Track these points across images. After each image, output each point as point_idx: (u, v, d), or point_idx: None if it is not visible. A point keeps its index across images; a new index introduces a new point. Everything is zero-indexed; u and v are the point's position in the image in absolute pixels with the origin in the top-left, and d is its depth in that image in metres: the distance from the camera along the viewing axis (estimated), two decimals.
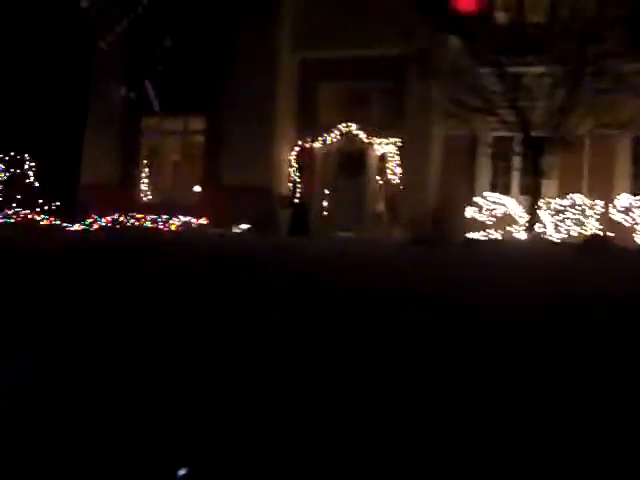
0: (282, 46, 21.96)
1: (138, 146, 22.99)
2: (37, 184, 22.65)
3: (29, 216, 21.03)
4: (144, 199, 22.85)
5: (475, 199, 19.61)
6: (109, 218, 20.47)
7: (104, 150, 23.05)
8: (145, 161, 23.11)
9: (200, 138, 22.48)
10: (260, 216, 20.49)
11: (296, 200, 21.70)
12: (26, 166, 22.76)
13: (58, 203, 22.20)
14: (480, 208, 19.28)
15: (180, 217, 20.31)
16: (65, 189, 23.01)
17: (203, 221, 20.22)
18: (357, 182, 21.74)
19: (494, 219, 18.98)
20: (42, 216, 21.13)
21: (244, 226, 19.88)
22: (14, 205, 22.49)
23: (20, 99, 23.65)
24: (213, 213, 20.85)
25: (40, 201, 22.13)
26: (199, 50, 21.92)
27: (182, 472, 2.79)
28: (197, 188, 22.13)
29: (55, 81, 23.88)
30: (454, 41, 20.28)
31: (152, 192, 23.00)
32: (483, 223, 19.03)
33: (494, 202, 19.22)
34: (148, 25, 22.34)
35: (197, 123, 22.45)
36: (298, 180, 21.95)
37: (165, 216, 20.34)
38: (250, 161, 21.18)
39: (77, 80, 23.70)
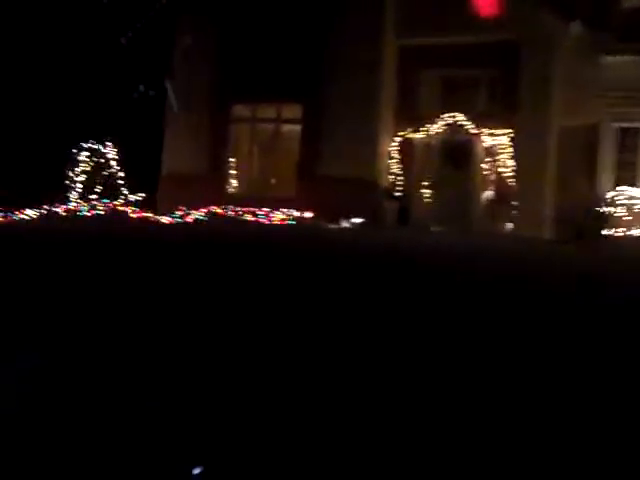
0: (385, 32, 20.78)
1: (227, 135, 21.76)
2: (121, 174, 21.45)
3: (118, 207, 19.83)
4: (232, 191, 21.66)
5: (609, 194, 18.56)
6: (204, 210, 19.25)
7: (188, 138, 21.85)
8: (234, 151, 21.88)
9: (295, 127, 21.26)
10: (369, 209, 19.39)
11: (398, 193, 20.58)
12: (109, 155, 21.55)
13: (142, 194, 21.02)
14: (614, 203, 18.21)
15: (283, 210, 19.13)
16: (146, 179, 21.85)
17: (308, 214, 19.03)
18: (462, 175, 20.60)
19: (632, 215, 17.90)
20: (131, 207, 19.92)
21: (356, 220, 18.72)
22: (95, 196, 21.33)
23: (101, 84, 22.45)
24: (313, 206, 19.67)
25: (125, 192, 20.96)
26: (297, 35, 20.73)
27: (197, 471, 2.85)
28: (292, 180, 20.99)
29: (135, 64, 22.69)
30: (576, 27, 19.24)
31: (241, 183, 21.80)
32: (619, 219, 17.95)
33: (631, 197, 18.14)
34: (241, 5, 21.17)
35: (292, 111, 21.22)
36: (399, 172, 20.81)
37: (266, 208, 19.15)
38: (352, 152, 20.01)
39: (157, 64, 22.51)
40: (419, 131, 20.88)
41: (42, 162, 21.88)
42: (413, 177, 20.95)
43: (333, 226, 18.07)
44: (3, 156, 21.84)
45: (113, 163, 21.51)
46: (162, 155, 22.35)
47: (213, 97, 21.72)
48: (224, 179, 21.68)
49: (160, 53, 22.54)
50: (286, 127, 21.50)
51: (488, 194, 20.25)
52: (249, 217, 18.89)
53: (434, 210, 20.64)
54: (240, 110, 21.76)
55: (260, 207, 19.98)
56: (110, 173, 21.41)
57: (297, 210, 19.27)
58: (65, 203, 20.62)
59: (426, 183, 20.76)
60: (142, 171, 21.75)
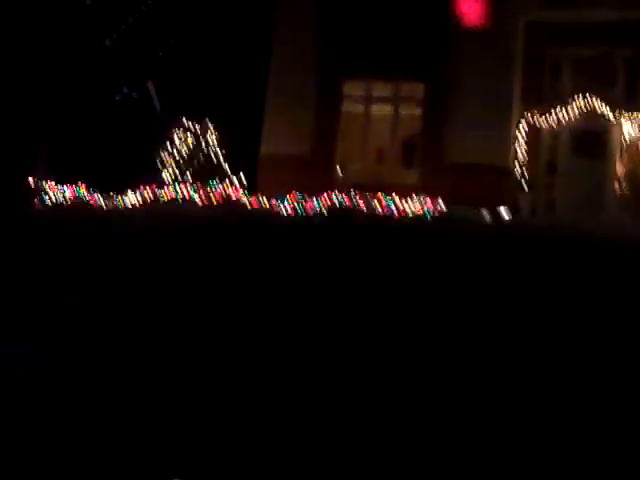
0: (513, 7, 19.11)
1: (336, 114, 19.98)
2: (221, 155, 19.64)
3: (227, 192, 18.05)
4: (342, 176, 19.92)
5: None
6: (325, 196, 17.53)
7: (291, 118, 20.05)
8: (344, 132, 20.11)
9: (415, 108, 19.57)
10: (504, 199, 17.82)
11: (524, 181, 19.02)
12: (209, 135, 19.72)
13: (242, 177, 19.21)
14: None
15: (414, 197, 17.45)
16: (245, 161, 20.05)
17: (439, 203, 17.36)
18: (596, 163, 19.05)
19: None
20: (241, 192, 18.15)
21: (502, 208, 17.12)
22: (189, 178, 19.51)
23: (198, 60, 20.58)
24: (439, 194, 18.00)
25: (228, 174, 19.16)
26: (419, 6, 19.03)
27: None
28: (411, 166, 19.34)
29: (233, 38, 20.81)
30: None
31: (352, 169, 20.06)
32: None
33: None
34: None
35: (413, 90, 19.50)
36: (525, 158, 19.23)
37: (395, 197, 17.45)
38: (482, 137, 18.33)
39: (257, 38, 20.67)
40: (547, 115, 19.32)
41: (130, 141, 19.99)
42: (539, 164, 19.43)
43: (487, 216, 16.49)
44: (88, 136, 19.92)
45: (214, 143, 19.68)
46: (261, 135, 20.52)
47: (320, 73, 19.89)
48: (332, 163, 19.94)
49: (258, 24, 20.74)
50: (404, 107, 19.78)
51: (627, 185, 18.77)
52: (377, 206, 17.20)
53: (561, 200, 19.14)
54: (351, 87, 19.99)
55: (374, 194, 18.33)
56: (209, 154, 19.58)
57: (428, 198, 17.59)
58: (160, 186, 18.78)
59: (554, 171, 19.26)
60: (237, 152, 19.99)
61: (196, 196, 17.47)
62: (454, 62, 18.80)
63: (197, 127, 19.82)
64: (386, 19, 19.16)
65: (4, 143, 18.15)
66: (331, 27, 19.71)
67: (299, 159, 19.76)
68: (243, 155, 20.07)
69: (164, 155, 19.60)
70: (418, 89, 19.40)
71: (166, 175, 19.40)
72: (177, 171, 19.43)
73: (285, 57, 20.23)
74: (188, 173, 19.46)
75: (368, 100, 20.00)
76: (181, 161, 19.52)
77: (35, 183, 17.51)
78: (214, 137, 19.77)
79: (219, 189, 18.01)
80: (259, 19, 20.53)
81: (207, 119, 19.81)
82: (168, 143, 19.69)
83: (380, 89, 19.82)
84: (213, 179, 19.38)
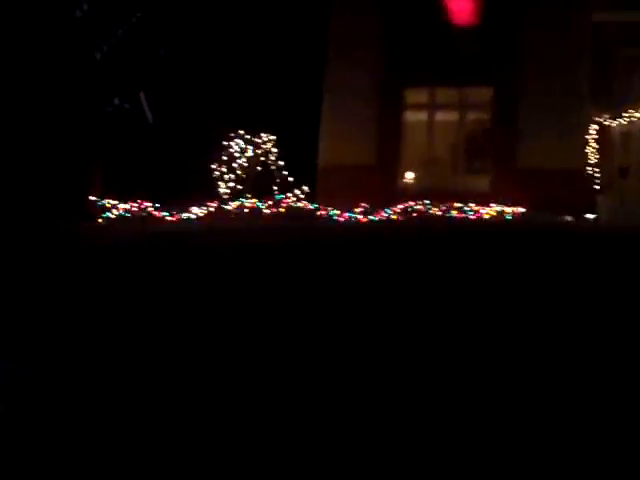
0: (582, 8, 18.54)
1: (398, 122, 19.41)
2: (282, 165, 19.06)
3: (296, 204, 17.45)
4: (406, 185, 19.31)
5: None
6: (400, 207, 16.91)
7: (350, 127, 19.47)
8: (406, 140, 19.53)
9: (483, 113, 18.98)
10: (582, 204, 17.19)
11: (597, 184, 18.43)
12: (266, 145, 19.16)
13: (306, 188, 18.60)
14: None
15: (493, 205, 16.84)
16: (304, 171, 19.47)
17: (519, 209, 16.74)
18: None
19: None
20: (311, 204, 17.52)
21: (590, 216, 16.50)
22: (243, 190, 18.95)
23: (250, 66, 20.03)
24: (512, 200, 17.37)
25: (292, 186, 18.56)
26: (483, 11, 18.46)
27: None
28: (479, 172, 18.73)
29: (288, 45, 20.25)
30: None
31: (417, 177, 19.46)
32: None
33: None
34: None
35: (480, 95, 18.92)
36: (596, 162, 18.63)
37: (472, 204, 16.84)
38: (555, 141, 17.74)
39: (312, 43, 20.10)
40: (618, 117, 18.74)
41: (182, 154, 19.41)
42: (611, 167, 18.82)
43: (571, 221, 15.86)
44: (140, 150, 19.36)
45: (272, 154, 19.10)
46: (318, 145, 19.96)
47: (380, 81, 19.34)
48: (395, 172, 19.34)
49: (312, 30, 20.18)
50: (470, 112, 19.20)
51: None
52: (454, 213, 16.57)
53: (635, 203, 18.50)
54: (413, 95, 19.44)
55: (440, 202, 17.73)
56: (269, 165, 19.00)
57: (508, 205, 16.94)
58: (221, 199, 18.21)
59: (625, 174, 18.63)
60: (299, 162, 19.40)
61: (265, 209, 16.87)
62: (522, 65, 18.25)
63: (254, 138, 19.29)
64: (448, 27, 18.63)
65: (60, 160, 17.61)
66: (391, 36, 19.17)
67: (361, 169, 19.18)
68: (298, 166, 19.52)
69: (220, 167, 19.03)
70: (485, 94, 18.81)
71: (223, 188, 18.81)
72: (234, 184, 18.85)
73: (343, 64, 19.70)
74: (245, 185, 18.90)
75: (432, 107, 19.44)
76: (239, 173, 18.95)
77: (95, 200, 16.98)
78: (273, 147, 19.19)
79: (287, 201, 17.42)
80: (314, 24, 20.00)
81: (265, 129, 19.26)
82: (224, 155, 19.14)
83: (444, 95, 19.27)
84: (273, 191, 18.85)
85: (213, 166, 19.01)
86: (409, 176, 19.29)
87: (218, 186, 18.93)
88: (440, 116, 19.50)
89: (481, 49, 18.32)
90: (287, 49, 20.24)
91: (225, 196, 18.58)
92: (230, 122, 19.42)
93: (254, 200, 17.43)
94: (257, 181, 18.93)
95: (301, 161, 19.74)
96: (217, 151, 19.15)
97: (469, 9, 18.60)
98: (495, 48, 18.36)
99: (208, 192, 18.86)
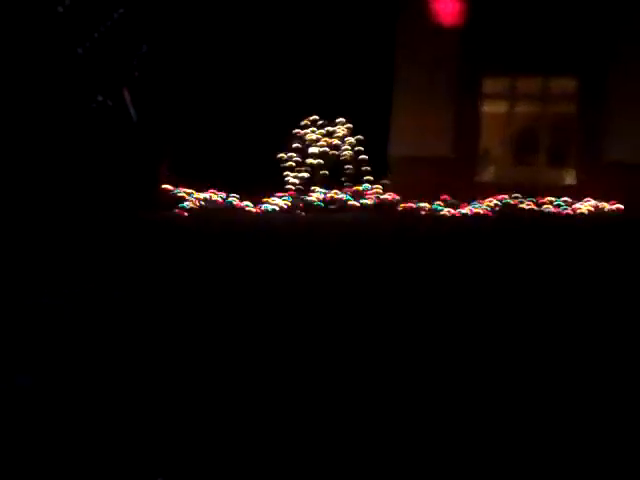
0: None
1: (475, 112, 18.62)
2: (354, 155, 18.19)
3: (382, 195, 16.65)
4: (485, 178, 18.58)
5: None
6: (491, 201, 16.17)
7: (424, 117, 18.66)
8: (485, 131, 18.76)
9: (567, 104, 18.23)
10: None
11: None
12: (344, 134, 18.33)
13: (386, 181, 17.82)
14: None
15: (589, 199, 16.14)
16: (372, 162, 18.67)
17: (618, 206, 16.05)
18: None
19: None
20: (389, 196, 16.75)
21: None
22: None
23: (322, 52, 19.15)
24: (600, 196, 16.71)
25: (369, 177, 17.75)
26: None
27: None
28: (563, 166, 18.00)
29: (358, 31, 19.38)
30: None
31: (496, 170, 18.72)
32: None
33: None
34: None
35: (564, 85, 18.17)
36: None
37: (566, 198, 16.13)
38: None
39: (381, 28, 19.25)
40: None
41: (249, 142, 18.54)
42: None
43: None
44: (209, 139, 18.46)
45: (347, 144, 18.25)
46: (389, 136, 19.14)
47: (456, 69, 18.57)
48: (473, 164, 18.59)
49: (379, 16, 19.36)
50: (554, 103, 18.44)
51: None
52: (551, 208, 15.84)
53: None
54: (493, 84, 18.65)
55: (517, 195, 17.03)
56: (345, 155, 18.15)
57: (600, 201, 16.26)
58: (298, 190, 17.36)
59: None
60: (363, 153, 18.59)
61: (351, 200, 16.06)
62: (611, 52, 17.54)
63: (328, 125, 18.47)
64: (532, 6, 17.89)
65: (131, 151, 16.72)
66: (469, 16, 18.39)
67: (436, 161, 18.42)
68: (375, 156, 18.73)
69: (289, 156, 18.19)
70: (570, 83, 18.07)
71: (292, 178, 17.96)
72: (307, 174, 18.01)
73: (415, 51, 18.88)
74: (316, 175, 18.08)
75: (512, 97, 18.67)
76: (311, 162, 18.10)
77: (169, 189, 16.11)
78: (348, 136, 18.35)
79: (370, 192, 16.63)
80: (384, 9, 19.18)
81: (340, 117, 18.43)
82: (295, 143, 18.30)
83: (526, 85, 18.51)
84: (344, 182, 18.04)
85: (283, 155, 18.19)
86: (488, 169, 18.58)
87: (286, 176, 18.09)
88: (521, 107, 18.74)
89: (567, 35, 17.63)
90: (358, 35, 19.43)
91: (294, 186, 17.75)
92: (301, 109, 18.61)
93: (335, 191, 16.63)
94: (329, 171, 18.11)
95: (370, 151, 18.98)
96: (286, 139, 18.35)
97: None
98: (582, 34, 17.67)
99: (276, 182, 18.06)
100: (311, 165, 18.06)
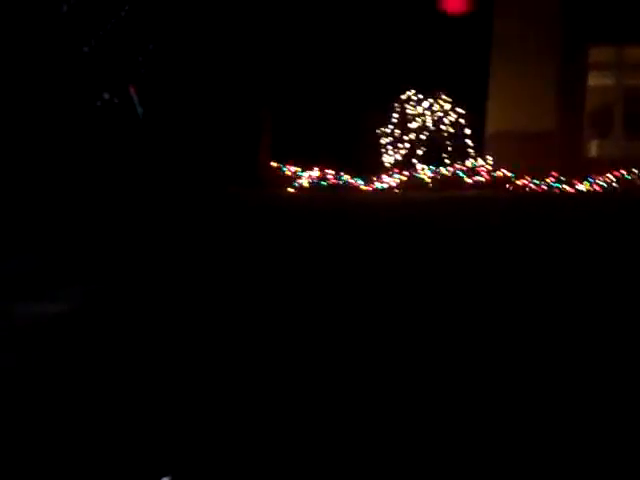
0: None
1: (580, 84, 17.94)
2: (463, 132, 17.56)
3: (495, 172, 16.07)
4: (592, 152, 17.91)
5: None
6: (607, 177, 15.55)
7: (524, 90, 17.97)
8: (590, 104, 18.05)
9: None
10: None
11: None
12: (446, 108, 17.71)
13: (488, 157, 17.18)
14: None
15: None
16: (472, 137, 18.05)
17: None
18: None
19: None
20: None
21: None
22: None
23: (419, 25, 18.45)
24: None
25: (472, 154, 17.16)
26: None
27: None
28: None
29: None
30: None
31: (603, 144, 18.03)
32: None
33: None
34: None
35: None
36: None
37: None
38: None
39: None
40: None
41: (348, 119, 17.94)
42: None
43: None
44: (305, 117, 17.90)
45: (449, 120, 17.64)
46: (486, 110, 18.48)
47: (558, 37, 17.85)
48: (579, 139, 17.92)
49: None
50: None
51: None
52: None
53: None
54: (598, 53, 17.96)
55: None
56: (446, 130, 17.55)
57: None
58: (408, 167, 16.75)
59: None
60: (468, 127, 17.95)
61: (465, 178, 15.53)
62: None
63: (427, 100, 17.85)
64: None
65: (234, 130, 16.21)
66: None
67: (537, 135, 17.74)
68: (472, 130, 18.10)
69: (390, 132, 17.61)
70: None
71: (394, 154, 17.39)
72: (407, 150, 17.45)
73: (513, 21, 18.15)
74: (416, 152, 17.50)
75: (620, 67, 17.95)
76: (413, 138, 17.53)
77: (276, 167, 15.64)
78: (449, 110, 17.72)
79: (482, 169, 16.08)
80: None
81: (439, 90, 17.79)
82: (394, 119, 17.72)
83: (634, 55, 17.77)
84: (444, 159, 17.46)
85: (383, 130, 17.61)
86: (596, 143, 17.91)
87: (387, 151, 17.52)
88: (630, 78, 18.01)
89: None
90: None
91: (395, 162, 17.20)
92: (399, 83, 17.99)
93: (445, 168, 16.08)
94: (430, 147, 17.53)
95: (468, 126, 18.35)
96: (386, 114, 17.75)
97: None
98: None
99: (377, 158, 17.52)
100: (411, 141, 17.49)
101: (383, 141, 17.59)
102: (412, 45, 18.68)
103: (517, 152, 17.38)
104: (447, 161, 17.31)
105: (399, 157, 17.25)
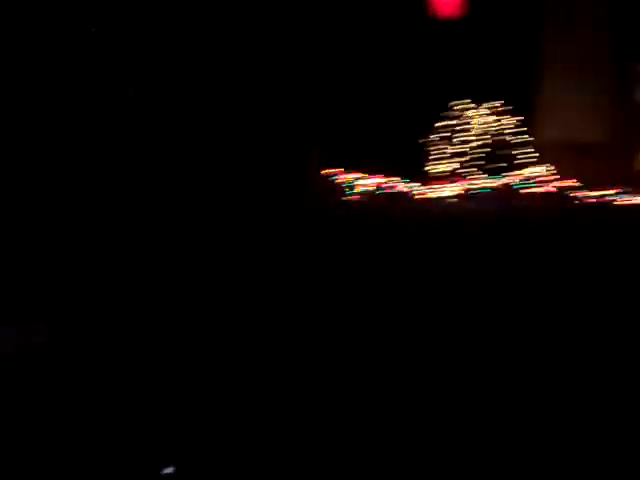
0: None
1: (635, 95, 17.81)
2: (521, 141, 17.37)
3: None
4: None
5: None
6: None
7: (573, 98, 17.87)
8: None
9: None
10: None
11: None
12: (500, 117, 17.56)
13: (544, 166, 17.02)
14: None
15: None
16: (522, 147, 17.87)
17: None
18: None
19: None
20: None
21: None
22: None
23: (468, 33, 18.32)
24: None
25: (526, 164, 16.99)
26: None
27: (168, 470, 2.89)
28: None
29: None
30: None
31: None
32: None
33: None
34: None
35: None
36: None
37: None
38: None
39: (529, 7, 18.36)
40: None
41: (399, 128, 17.79)
42: None
43: None
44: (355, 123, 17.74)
45: (499, 128, 17.50)
46: (535, 119, 18.33)
47: (612, 49, 17.76)
48: (632, 151, 17.79)
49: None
50: None
51: None
52: None
53: None
54: None
55: None
56: (499, 140, 17.40)
57: None
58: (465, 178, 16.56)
59: None
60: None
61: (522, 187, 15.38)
62: None
63: (478, 109, 17.72)
64: None
65: (287, 137, 16.04)
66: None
67: (589, 147, 17.62)
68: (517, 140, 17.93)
69: (443, 140, 17.47)
70: None
71: (448, 163, 17.23)
72: (460, 158, 17.28)
73: (564, 28, 18.07)
74: (469, 162, 17.34)
75: None
76: (465, 148, 17.37)
77: (330, 174, 15.47)
78: (501, 119, 17.58)
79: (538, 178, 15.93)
80: None
81: (489, 100, 17.65)
82: (447, 128, 17.57)
83: None
84: (498, 169, 17.30)
85: (434, 138, 17.46)
86: None
87: (439, 160, 17.35)
88: None
89: None
90: (506, 18, 18.60)
91: (447, 172, 17.04)
92: (449, 93, 17.85)
93: (505, 177, 15.92)
94: (483, 156, 17.37)
95: (518, 136, 18.19)
96: (438, 123, 17.60)
97: None
98: None
99: (428, 166, 17.36)
100: (466, 150, 17.33)
101: (438, 150, 17.44)
102: (466, 55, 18.60)
103: (570, 163, 17.27)
104: (502, 171, 17.18)
105: (454, 166, 17.09)
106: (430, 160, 17.09)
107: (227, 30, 16.05)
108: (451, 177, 16.45)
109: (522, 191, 15.51)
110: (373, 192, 15.10)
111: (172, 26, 15.36)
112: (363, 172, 15.86)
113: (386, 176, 15.87)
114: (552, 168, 17.46)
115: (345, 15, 17.52)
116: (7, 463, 3.13)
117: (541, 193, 15.42)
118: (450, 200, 14.95)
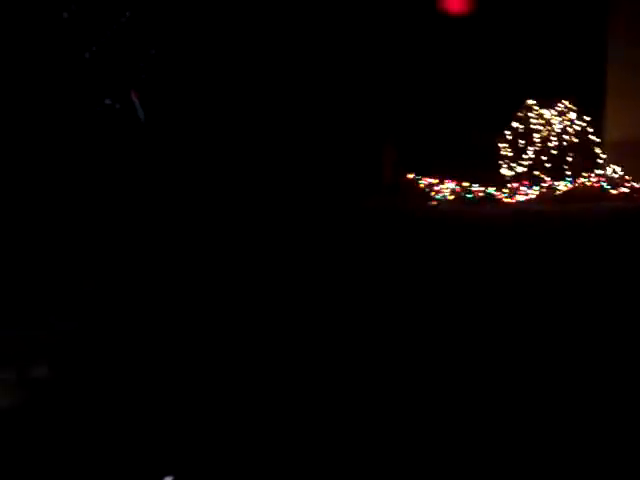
0: None
1: None
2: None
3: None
4: None
5: None
6: None
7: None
8: None
9: None
10: None
11: None
12: (571, 118, 17.22)
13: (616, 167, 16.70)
14: None
15: None
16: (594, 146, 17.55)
17: None
18: None
19: None
20: None
21: None
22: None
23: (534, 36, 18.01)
24: None
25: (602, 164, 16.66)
26: None
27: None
28: None
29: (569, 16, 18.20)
30: None
31: None
32: None
33: None
34: None
35: None
36: None
37: None
38: None
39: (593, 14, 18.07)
40: None
41: (467, 130, 17.52)
42: None
43: None
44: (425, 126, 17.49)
45: (573, 129, 17.16)
46: (603, 119, 18.03)
47: None
48: None
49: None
50: None
51: None
52: None
53: None
54: None
55: None
56: (568, 141, 17.06)
57: None
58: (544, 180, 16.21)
59: None
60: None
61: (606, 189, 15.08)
62: None
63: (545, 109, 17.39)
64: None
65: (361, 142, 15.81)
66: None
67: None
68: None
69: (511, 142, 17.16)
70: None
71: (517, 165, 16.92)
72: (530, 161, 16.97)
73: (630, 24, 17.74)
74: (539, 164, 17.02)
75: None
76: (534, 149, 17.05)
77: (413, 179, 15.24)
78: (571, 120, 17.24)
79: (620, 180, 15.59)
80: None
81: (556, 100, 17.30)
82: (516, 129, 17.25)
83: None
84: (565, 171, 16.98)
85: (504, 141, 17.15)
86: None
87: (509, 162, 17.04)
88: None
89: None
90: (571, 15, 18.28)
91: (516, 174, 16.74)
92: (516, 93, 17.53)
93: (582, 180, 15.62)
94: (555, 158, 17.05)
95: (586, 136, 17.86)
96: (506, 125, 17.30)
97: None
98: None
99: (498, 169, 17.07)
100: (535, 151, 17.03)
101: (511, 152, 17.15)
102: (529, 57, 18.31)
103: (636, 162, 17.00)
104: (571, 172, 16.87)
105: (523, 169, 16.80)
106: (503, 163, 16.79)
107: (308, 26, 15.84)
108: (526, 179, 16.15)
109: (610, 192, 15.17)
110: (460, 196, 14.82)
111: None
112: (435, 177, 15.62)
113: (460, 180, 15.61)
114: (624, 169, 17.19)
115: (422, 17, 17.30)
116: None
117: (625, 194, 15.11)
118: (537, 203, 14.67)
